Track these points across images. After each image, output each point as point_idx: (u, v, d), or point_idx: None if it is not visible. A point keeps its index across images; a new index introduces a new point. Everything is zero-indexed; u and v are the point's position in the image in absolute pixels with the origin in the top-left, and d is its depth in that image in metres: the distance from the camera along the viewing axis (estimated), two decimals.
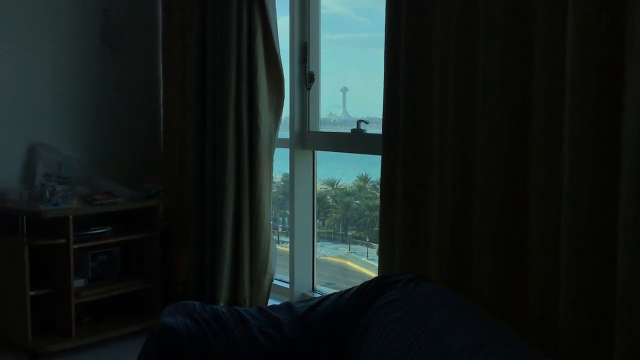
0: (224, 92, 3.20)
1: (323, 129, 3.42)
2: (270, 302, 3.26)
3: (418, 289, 1.99)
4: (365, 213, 3.96)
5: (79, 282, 3.35)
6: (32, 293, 3.15)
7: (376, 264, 2.75)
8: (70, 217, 3.18)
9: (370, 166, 3.61)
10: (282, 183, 3.98)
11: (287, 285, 3.49)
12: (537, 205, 1.94)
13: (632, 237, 1.55)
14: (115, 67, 3.73)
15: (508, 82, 2.02)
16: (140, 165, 3.82)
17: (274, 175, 3.35)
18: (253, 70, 3.17)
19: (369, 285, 2.13)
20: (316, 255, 3.52)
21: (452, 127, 2.21)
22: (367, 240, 3.92)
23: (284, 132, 3.39)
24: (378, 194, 2.64)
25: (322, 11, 3.33)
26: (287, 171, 3.49)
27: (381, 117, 2.55)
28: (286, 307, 2.21)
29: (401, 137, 2.40)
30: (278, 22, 3.21)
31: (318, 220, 3.57)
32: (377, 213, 2.97)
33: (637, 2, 1.57)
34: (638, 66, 1.55)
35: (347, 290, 2.19)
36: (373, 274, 3.35)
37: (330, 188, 4.03)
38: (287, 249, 3.55)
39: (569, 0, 1.77)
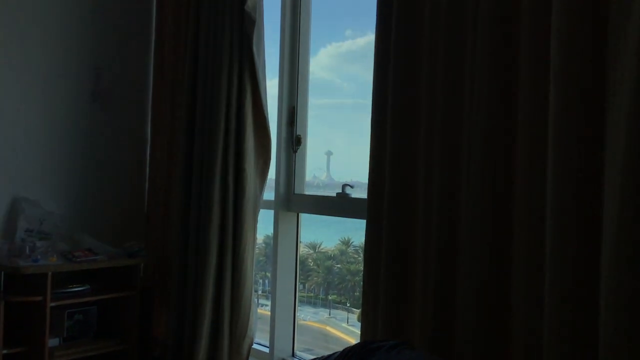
0: (212, 152, 3.22)
1: (306, 191, 3.44)
2: None
3: (401, 355, 1.98)
4: (347, 277, 3.94)
5: (53, 342, 3.27)
6: (5, 351, 3.06)
7: (356, 331, 2.73)
8: (49, 274, 3.13)
9: (353, 230, 3.62)
10: (263, 245, 3.97)
11: (267, 350, 3.44)
12: (521, 272, 1.95)
13: (613, 304, 1.57)
14: (104, 124, 3.75)
15: (492, 147, 2.07)
16: (123, 223, 3.79)
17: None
18: (241, 132, 3.21)
19: (351, 351, 2.10)
20: (297, 320, 3.48)
21: (438, 191, 2.25)
22: (348, 305, 3.89)
23: (268, 194, 3.40)
24: (360, 259, 2.64)
25: (309, 76, 3.41)
26: (269, 233, 3.49)
27: (364, 181, 2.58)
28: None
29: (386, 200, 2.42)
30: (267, 83, 3.27)
31: (299, 284, 3.55)
32: (358, 278, 2.97)
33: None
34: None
35: (330, 355, 2.16)
36: (353, 340, 3.31)
37: (311, 251, 4.02)
38: (268, 313, 3.51)
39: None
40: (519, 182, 1.99)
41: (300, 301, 3.64)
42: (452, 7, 2.24)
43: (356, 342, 2.23)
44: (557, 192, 1.80)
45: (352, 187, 3.08)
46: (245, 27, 3.19)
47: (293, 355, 3.41)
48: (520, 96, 2.00)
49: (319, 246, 3.99)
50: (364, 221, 2.57)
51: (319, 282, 4.05)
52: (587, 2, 1.78)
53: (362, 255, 2.69)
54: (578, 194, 1.76)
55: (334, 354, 2.17)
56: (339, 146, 3.66)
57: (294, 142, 3.36)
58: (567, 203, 1.77)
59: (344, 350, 2.15)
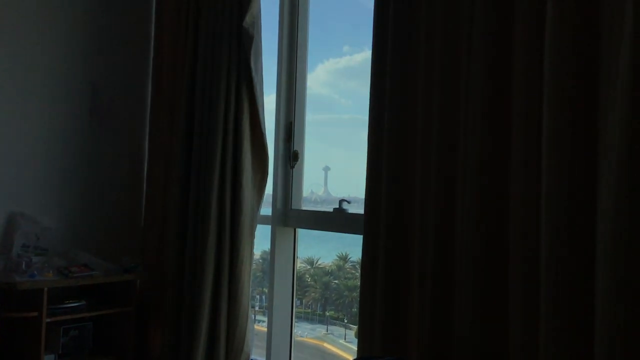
0: (209, 167, 3.22)
1: (304, 207, 3.44)
2: None
3: None
4: (344, 293, 3.92)
5: (49, 358, 3.24)
6: None
7: (354, 347, 2.72)
8: (45, 289, 3.12)
9: (351, 246, 3.61)
10: (260, 260, 3.96)
11: None
12: (518, 286, 1.95)
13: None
14: (101, 140, 3.75)
15: (488, 163, 2.08)
16: (119, 239, 3.78)
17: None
18: (238, 147, 3.21)
19: None
20: (294, 336, 3.46)
21: (434, 207, 2.25)
22: (345, 321, 3.87)
23: (265, 209, 3.40)
24: (357, 274, 2.64)
25: (306, 91, 3.42)
26: (266, 248, 3.48)
27: (362, 197, 2.58)
28: None
29: (383, 216, 2.42)
30: (265, 99, 3.27)
31: (296, 300, 3.54)
32: (355, 293, 2.96)
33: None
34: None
35: None
36: (350, 357, 3.29)
37: (309, 267, 4.00)
38: (264, 329, 3.49)
39: (544, 94, 1.85)
40: (515, 199, 1.99)
41: (297, 317, 3.62)
42: (448, 25, 2.26)
43: (353, 359, 2.22)
44: (551, 208, 1.80)
45: (349, 202, 3.08)
46: (243, 44, 3.21)
47: None
48: (514, 109, 2.01)
49: (317, 262, 3.98)
50: (362, 236, 2.56)
51: (316, 297, 4.04)
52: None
53: (359, 270, 2.68)
54: (572, 201, 1.77)
55: None
56: (336, 162, 3.66)
57: (291, 157, 3.36)
58: (562, 228, 1.78)
59: None
